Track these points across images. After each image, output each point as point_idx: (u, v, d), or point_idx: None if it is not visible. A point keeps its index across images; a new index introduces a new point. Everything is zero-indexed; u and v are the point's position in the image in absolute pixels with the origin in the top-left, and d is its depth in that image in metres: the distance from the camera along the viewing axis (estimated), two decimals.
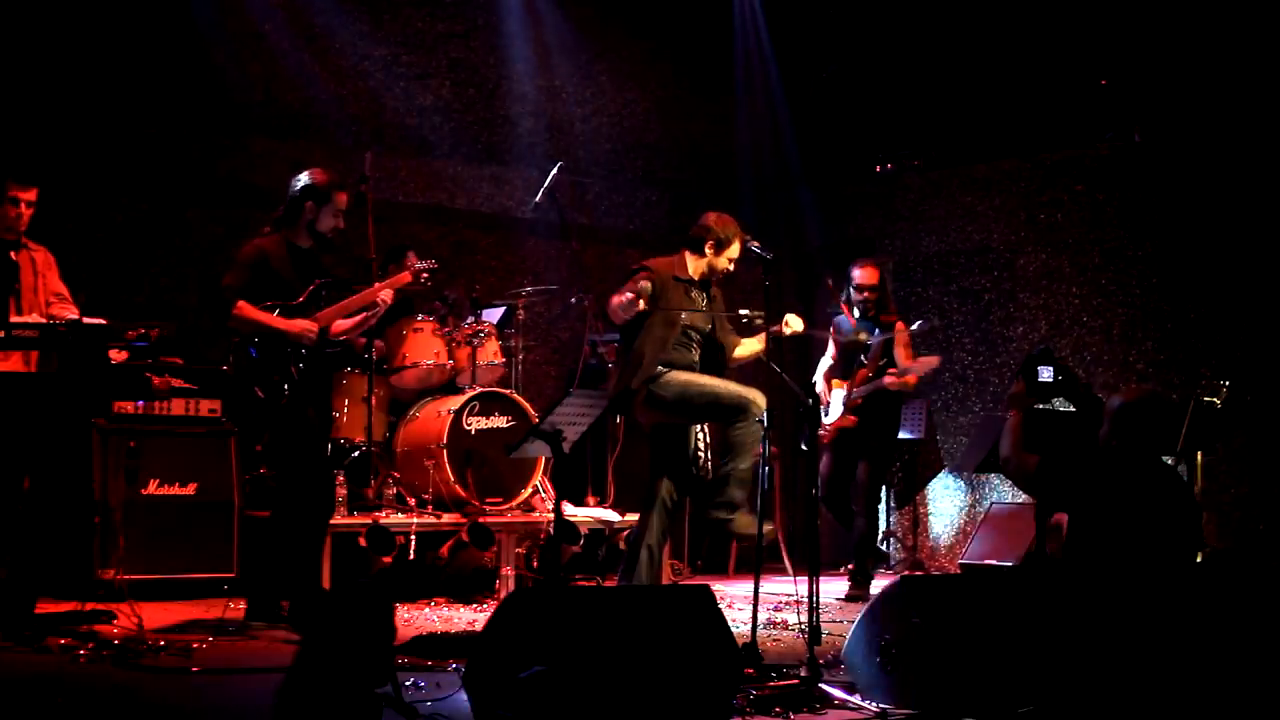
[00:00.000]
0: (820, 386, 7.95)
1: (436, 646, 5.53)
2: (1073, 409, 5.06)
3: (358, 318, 6.29)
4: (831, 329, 8.05)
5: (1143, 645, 4.31)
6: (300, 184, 6.19)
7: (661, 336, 6.29)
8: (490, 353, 7.89)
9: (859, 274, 7.93)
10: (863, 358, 7.86)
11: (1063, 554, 4.50)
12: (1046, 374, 4.78)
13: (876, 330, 7.81)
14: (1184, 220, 8.43)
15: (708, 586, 4.75)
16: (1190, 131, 8.42)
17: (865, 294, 7.89)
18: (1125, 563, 4.33)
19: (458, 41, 9.24)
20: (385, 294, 6.33)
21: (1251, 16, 8.09)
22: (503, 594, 7.21)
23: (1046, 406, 5.36)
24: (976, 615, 4.72)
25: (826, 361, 8.12)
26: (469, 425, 7.53)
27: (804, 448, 7.05)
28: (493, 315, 8.29)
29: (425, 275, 6.83)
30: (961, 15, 9.30)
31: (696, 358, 6.42)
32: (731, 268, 6.44)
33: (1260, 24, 8.06)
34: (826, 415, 7.88)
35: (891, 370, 7.66)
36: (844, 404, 7.82)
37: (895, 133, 9.91)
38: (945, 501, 9.49)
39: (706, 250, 6.41)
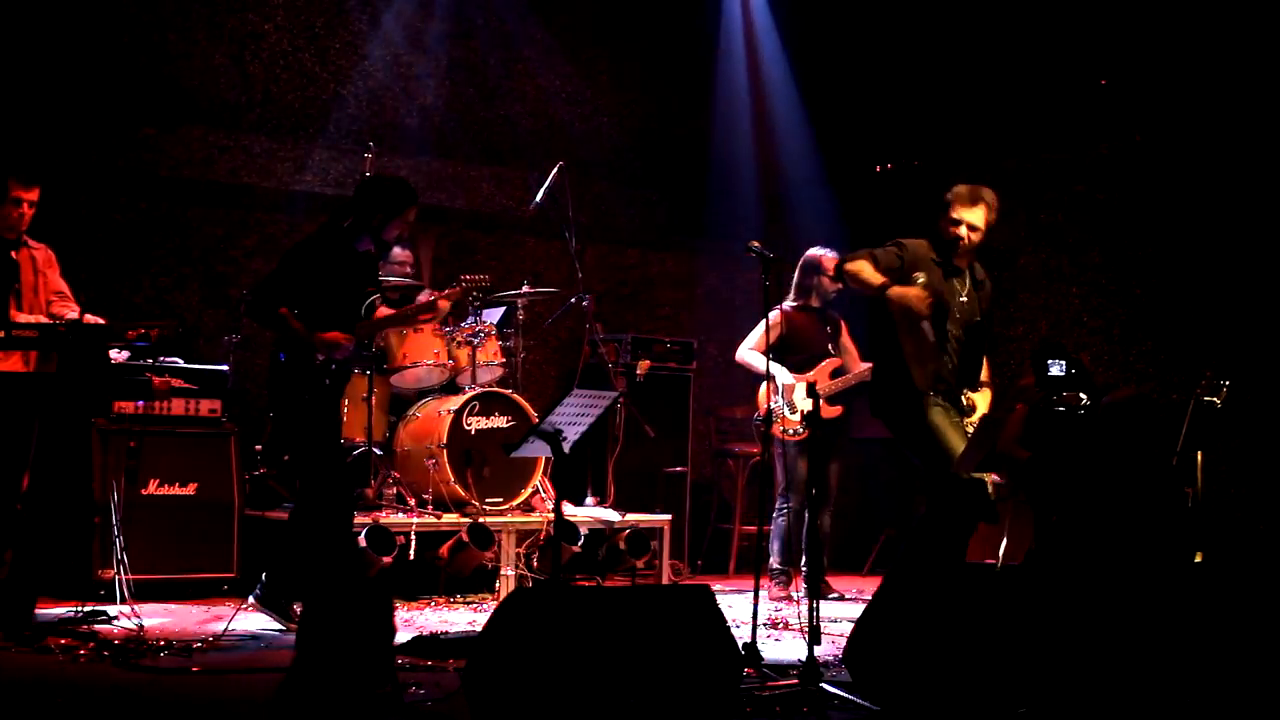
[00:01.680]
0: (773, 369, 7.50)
1: (436, 646, 5.54)
2: (1075, 411, 5.05)
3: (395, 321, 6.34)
4: (779, 315, 7.67)
5: (1132, 643, 4.30)
6: (373, 189, 6.12)
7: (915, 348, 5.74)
8: (490, 353, 7.89)
9: (833, 265, 7.53)
10: (831, 347, 7.79)
11: (1056, 553, 4.49)
12: (1057, 367, 4.76)
13: None
14: (1184, 220, 8.43)
15: (708, 586, 4.75)
16: (1190, 132, 8.42)
17: (840, 285, 7.67)
18: (1112, 561, 4.33)
19: (458, 41, 9.24)
20: (443, 304, 6.37)
21: (1251, 16, 8.09)
22: (503, 594, 7.22)
23: (1051, 405, 5.34)
24: (976, 615, 4.72)
25: (758, 340, 7.69)
26: (469, 425, 7.53)
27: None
28: (493, 315, 8.29)
29: (476, 291, 6.91)
30: (961, 15, 9.30)
31: (952, 362, 5.85)
32: (960, 234, 5.83)
33: (1260, 24, 8.06)
34: (791, 412, 7.62)
35: None
36: (821, 395, 7.67)
37: (895, 133, 9.91)
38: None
39: (940, 226, 5.92)
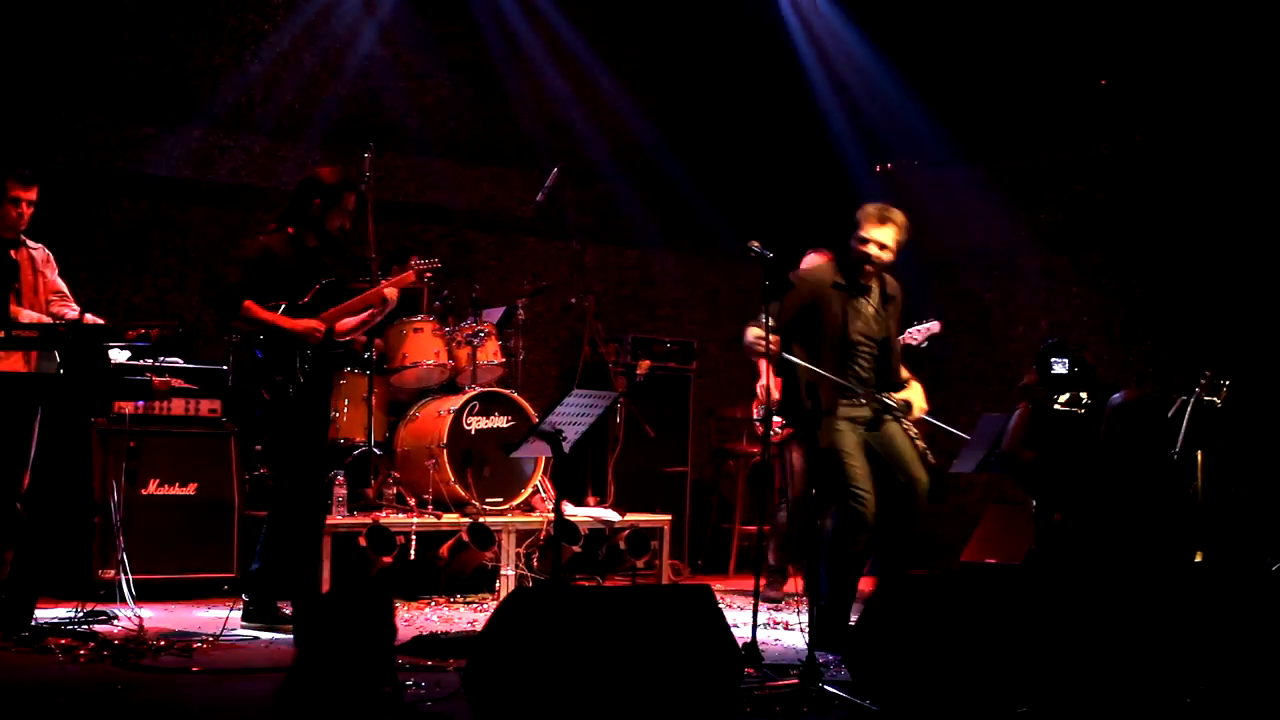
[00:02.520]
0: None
1: (436, 646, 5.54)
2: (1077, 410, 5.03)
3: (363, 316, 6.30)
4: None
5: (1136, 644, 4.30)
6: (308, 182, 6.20)
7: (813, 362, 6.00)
8: (490, 353, 7.89)
9: (806, 260, 7.66)
10: None
11: (1058, 553, 4.49)
12: (1060, 366, 4.76)
13: None
14: (1184, 220, 8.43)
15: (708, 586, 4.75)
16: (1190, 132, 8.42)
17: None
18: (1118, 562, 4.32)
19: (458, 41, 9.24)
20: (390, 293, 6.33)
21: (1251, 17, 8.09)
22: (503, 594, 7.22)
23: (1055, 404, 5.33)
24: (976, 615, 4.72)
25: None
26: (469, 425, 7.53)
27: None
28: (493, 315, 8.29)
29: (429, 275, 6.87)
30: (961, 15, 9.29)
31: (867, 370, 6.12)
32: (868, 253, 6.02)
33: (1260, 24, 8.06)
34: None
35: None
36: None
37: (894, 133, 9.91)
38: (945, 501, 9.47)
39: (850, 243, 6.12)
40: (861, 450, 6.04)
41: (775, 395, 7.07)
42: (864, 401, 6.08)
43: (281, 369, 6.03)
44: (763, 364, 7.52)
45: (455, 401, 7.53)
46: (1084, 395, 5.09)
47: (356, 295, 6.34)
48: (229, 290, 6.09)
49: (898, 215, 6.10)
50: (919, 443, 6.22)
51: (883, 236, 6.06)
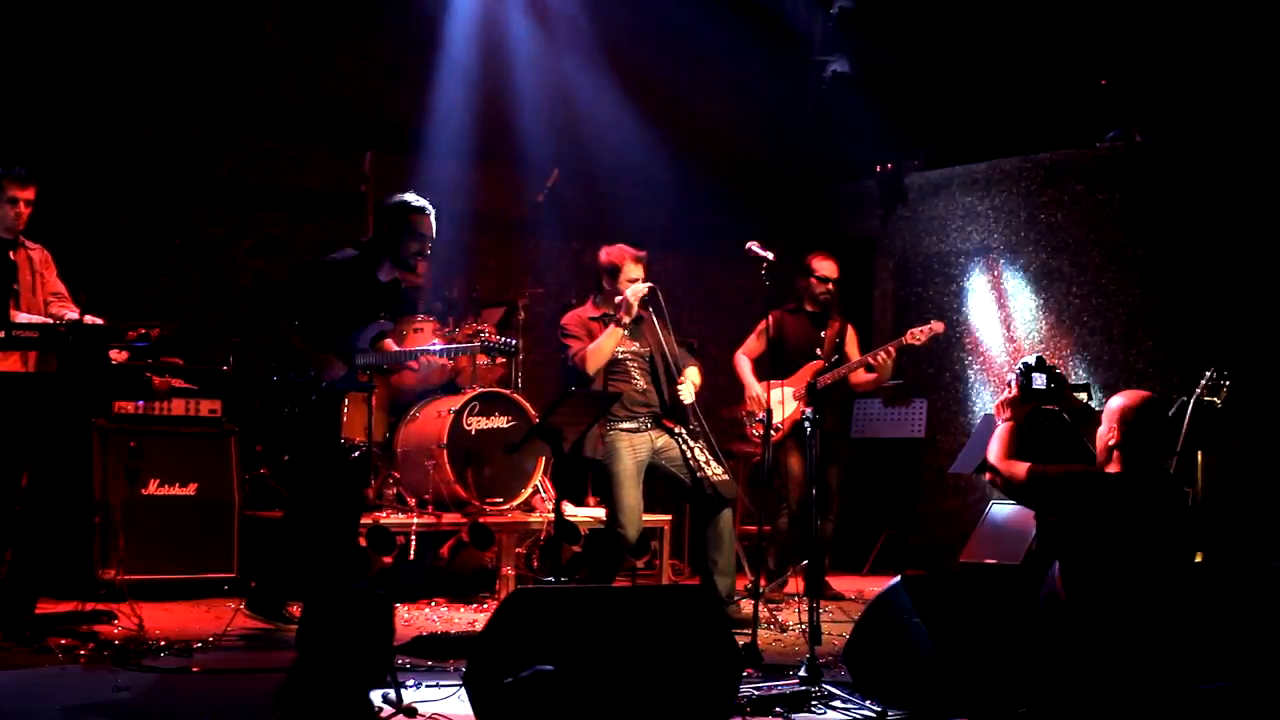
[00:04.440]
0: (748, 378, 7.86)
1: (436, 646, 5.54)
2: (1067, 415, 5.03)
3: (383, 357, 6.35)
4: (770, 318, 7.51)
5: (1132, 644, 4.30)
6: (381, 211, 6.22)
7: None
8: None
9: (821, 265, 7.84)
10: (818, 350, 7.81)
11: (1059, 560, 4.47)
12: (1040, 380, 4.78)
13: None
14: (1184, 220, 8.42)
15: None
16: (1191, 131, 8.42)
17: (829, 285, 7.81)
18: (1123, 569, 4.32)
19: (458, 41, 9.23)
20: (418, 363, 6.45)
21: (1252, 16, 8.09)
22: (503, 594, 7.22)
23: (1040, 413, 5.33)
24: (976, 615, 4.73)
25: (745, 344, 8.00)
26: (469, 425, 7.53)
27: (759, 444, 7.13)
28: (493, 315, 8.29)
29: (489, 356, 7.24)
30: (962, 14, 9.30)
31: (641, 383, 6.70)
32: (634, 286, 6.63)
33: (1261, 23, 8.06)
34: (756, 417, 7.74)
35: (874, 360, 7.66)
36: (795, 398, 7.71)
37: (896, 132, 9.91)
38: (945, 501, 9.49)
39: (605, 286, 6.75)
40: (637, 476, 6.58)
41: (765, 399, 7.11)
42: (641, 419, 6.63)
43: (288, 400, 6.03)
44: (742, 370, 7.85)
45: (455, 401, 7.53)
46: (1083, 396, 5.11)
47: (397, 343, 6.42)
48: (271, 298, 6.09)
49: (643, 252, 6.80)
50: (704, 456, 6.67)
51: (641, 273, 6.72)
